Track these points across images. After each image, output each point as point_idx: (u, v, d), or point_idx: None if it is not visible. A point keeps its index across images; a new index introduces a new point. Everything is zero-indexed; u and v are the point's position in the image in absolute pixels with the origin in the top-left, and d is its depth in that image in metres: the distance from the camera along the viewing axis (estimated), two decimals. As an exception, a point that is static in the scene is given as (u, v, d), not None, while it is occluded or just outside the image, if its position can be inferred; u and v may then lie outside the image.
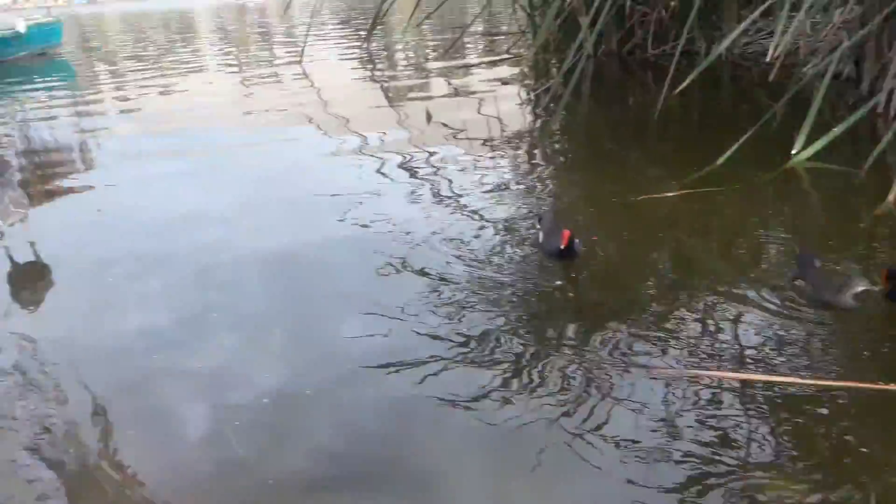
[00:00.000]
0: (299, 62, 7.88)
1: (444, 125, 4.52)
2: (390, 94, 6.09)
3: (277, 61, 9.33)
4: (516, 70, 6.61)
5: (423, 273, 2.22)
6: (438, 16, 9.87)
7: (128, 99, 6.73)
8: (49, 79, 9.33)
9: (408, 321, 1.92)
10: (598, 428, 1.44)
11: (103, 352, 1.89)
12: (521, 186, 3.22)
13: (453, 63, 7.31)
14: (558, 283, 2.13)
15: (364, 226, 2.71)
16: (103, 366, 1.81)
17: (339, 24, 13.41)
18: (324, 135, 4.56)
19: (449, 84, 6.42)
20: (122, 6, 40.50)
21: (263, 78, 7.82)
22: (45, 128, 5.72)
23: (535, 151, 4.01)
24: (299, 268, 2.41)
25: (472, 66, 7.24)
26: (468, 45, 8.47)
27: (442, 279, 2.17)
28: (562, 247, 2.11)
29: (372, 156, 3.85)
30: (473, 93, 5.74)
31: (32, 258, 2.58)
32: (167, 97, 6.77)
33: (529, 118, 4.98)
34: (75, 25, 15.04)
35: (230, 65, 9.49)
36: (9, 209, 2.46)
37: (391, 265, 2.32)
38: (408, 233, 2.58)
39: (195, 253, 2.54)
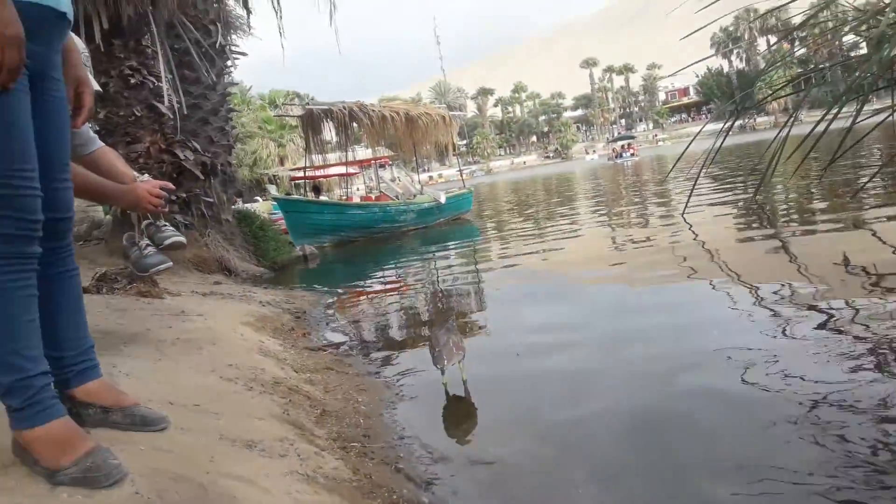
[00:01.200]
0: (680, 215, 7.88)
1: (864, 271, 3.89)
2: (786, 244, 5.47)
3: (653, 216, 9.52)
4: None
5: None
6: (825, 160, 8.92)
7: (512, 255, 7.55)
8: (459, 240, 11.13)
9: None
10: None
11: None
12: None
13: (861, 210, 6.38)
14: None
15: (761, 387, 2.41)
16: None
17: (717, 180, 13.15)
18: (712, 287, 4.29)
19: (853, 225, 5.65)
20: (512, 175, 46.65)
21: (637, 231, 8.00)
22: (451, 277, 6.72)
23: None
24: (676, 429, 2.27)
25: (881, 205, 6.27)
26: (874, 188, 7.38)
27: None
28: None
29: (770, 308, 3.49)
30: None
31: (463, 395, 2.89)
32: (548, 252, 7.38)
33: None
34: (476, 195, 17.89)
35: (605, 223, 10.02)
36: (452, 350, 2.84)
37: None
38: (815, 400, 2.21)
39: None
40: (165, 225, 3.04)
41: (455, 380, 2.85)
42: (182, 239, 2.99)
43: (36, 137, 1.47)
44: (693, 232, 6.70)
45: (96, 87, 2.09)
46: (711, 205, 8.88)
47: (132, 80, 7.11)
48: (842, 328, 2.94)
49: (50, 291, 1.64)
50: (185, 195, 7.55)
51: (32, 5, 1.38)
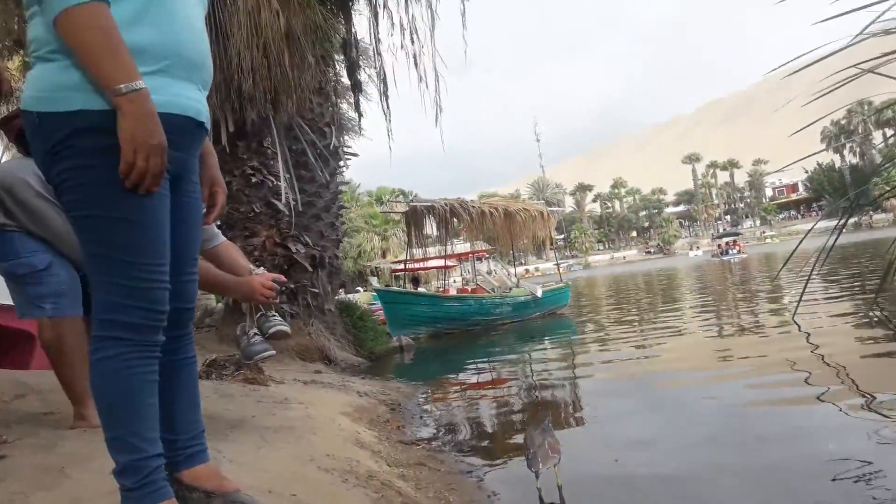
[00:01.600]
0: (791, 318, 7.42)
1: None
2: None
3: (762, 317, 9.00)
4: None
5: None
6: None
7: (610, 353, 7.34)
8: (555, 335, 10.95)
9: None
10: None
11: None
12: None
13: None
14: None
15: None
16: None
17: (833, 281, 12.35)
18: (826, 403, 3.92)
19: None
20: (610, 270, 45.68)
21: (746, 333, 7.58)
22: (546, 373, 6.55)
23: None
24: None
25: None
26: None
27: None
28: None
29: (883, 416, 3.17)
30: None
31: (557, 502, 2.77)
32: (643, 350, 7.12)
33: None
34: (573, 289, 17.64)
35: (711, 323, 9.57)
36: (548, 453, 2.76)
37: None
38: None
39: None
40: (274, 315, 3.23)
41: (550, 484, 2.75)
42: (286, 328, 3.15)
43: (171, 235, 1.62)
44: (809, 342, 6.25)
45: None
46: (830, 310, 8.30)
47: (253, 179, 7.75)
48: None
49: (171, 376, 1.74)
50: (293, 286, 7.96)
51: (175, 116, 1.52)
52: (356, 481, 2.58)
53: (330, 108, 9.40)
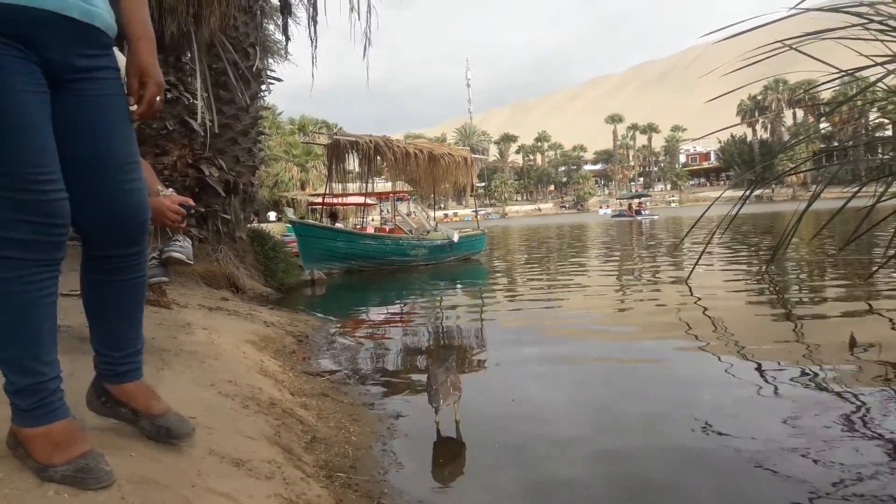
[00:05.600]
0: (685, 281, 7.89)
1: (882, 362, 3.83)
2: (795, 321, 5.39)
3: (660, 276, 9.53)
4: None
5: None
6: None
7: (519, 300, 7.60)
8: (467, 280, 11.17)
9: None
10: None
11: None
12: None
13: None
14: None
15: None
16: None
17: (731, 247, 13.15)
18: (713, 356, 4.25)
19: (868, 304, 5.66)
20: (526, 221, 46.60)
21: (644, 291, 8.02)
22: (454, 316, 6.74)
23: None
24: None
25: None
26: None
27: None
28: None
29: (771, 384, 3.48)
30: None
31: (454, 435, 2.89)
32: (552, 301, 7.42)
33: None
34: (488, 236, 17.95)
35: (613, 275, 10.05)
36: (449, 390, 2.85)
37: None
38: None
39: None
40: (177, 240, 3.12)
41: (448, 419, 2.86)
42: (181, 256, 3.05)
43: (79, 137, 1.49)
44: (699, 302, 6.68)
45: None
46: (724, 272, 8.87)
47: (168, 95, 7.30)
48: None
49: (117, 296, 1.66)
50: (203, 210, 7.67)
51: (18, 7, 1.35)
52: (257, 408, 2.59)
53: (256, 29, 8.92)
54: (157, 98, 1.61)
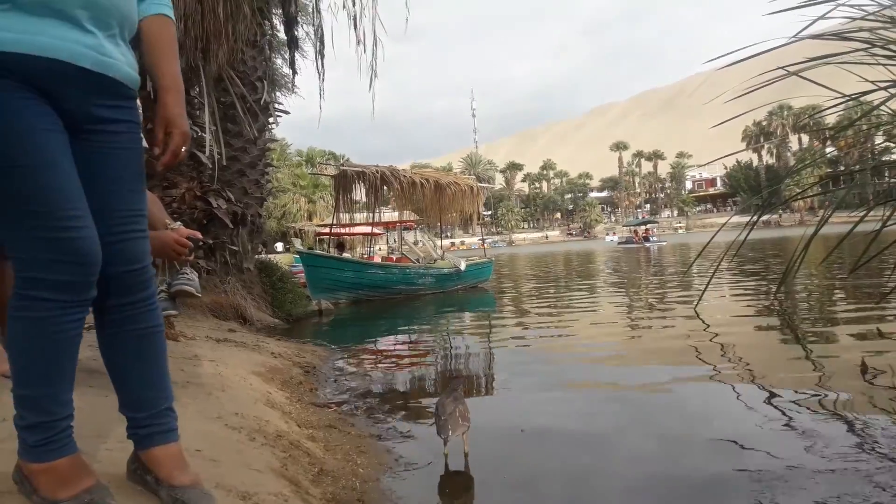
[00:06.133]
0: (693, 307, 7.82)
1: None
2: (805, 347, 5.32)
3: (669, 303, 9.47)
4: None
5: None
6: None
7: (527, 328, 7.57)
8: (475, 308, 11.13)
9: None
10: None
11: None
12: None
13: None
14: None
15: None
16: None
17: (739, 272, 13.09)
18: (721, 383, 4.15)
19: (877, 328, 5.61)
20: (533, 249, 46.54)
21: (653, 319, 7.97)
22: (463, 345, 6.70)
23: None
24: None
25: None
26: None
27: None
28: None
29: (784, 412, 3.43)
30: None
31: (462, 468, 2.84)
32: (561, 328, 7.38)
33: None
34: (495, 264, 17.93)
35: (622, 304, 9.99)
36: (458, 421, 2.82)
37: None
38: None
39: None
40: (185, 273, 3.13)
41: (457, 451, 2.82)
42: (190, 289, 3.07)
43: (92, 188, 1.48)
44: (707, 328, 6.63)
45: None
46: (735, 297, 8.80)
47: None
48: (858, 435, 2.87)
49: (123, 350, 1.59)
50: (211, 241, 7.71)
51: (30, 57, 1.35)
52: (264, 440, 2.56)
53: (263, 63, 9.07)
54: (183, 149, 1.61)
